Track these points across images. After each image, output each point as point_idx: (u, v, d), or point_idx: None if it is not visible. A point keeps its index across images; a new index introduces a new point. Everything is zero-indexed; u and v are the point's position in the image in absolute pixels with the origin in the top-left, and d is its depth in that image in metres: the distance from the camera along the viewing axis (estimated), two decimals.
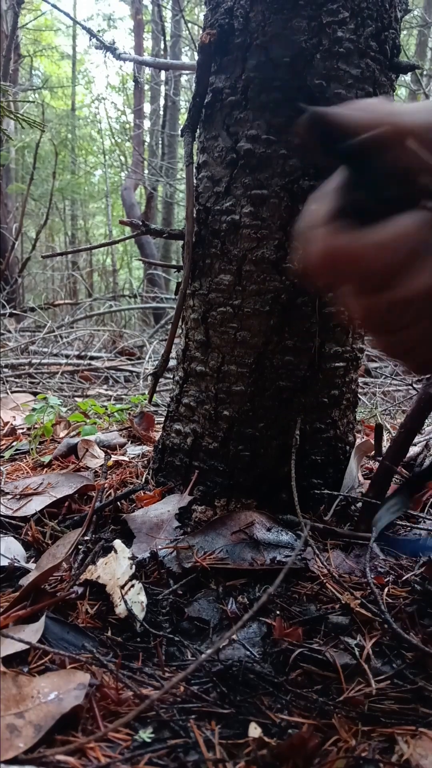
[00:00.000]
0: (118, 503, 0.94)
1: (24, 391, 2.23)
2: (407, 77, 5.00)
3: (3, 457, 1.26)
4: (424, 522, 0.94)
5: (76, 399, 2.24)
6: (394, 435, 0.95)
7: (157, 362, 1.60)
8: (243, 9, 0.81)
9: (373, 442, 1.06)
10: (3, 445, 1.36)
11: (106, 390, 2.62)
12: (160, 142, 7.95)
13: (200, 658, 0.53)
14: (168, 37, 7.22)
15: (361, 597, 0.70)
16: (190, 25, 5.80)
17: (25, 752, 0.46)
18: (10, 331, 3.84)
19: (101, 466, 1.12)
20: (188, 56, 8.12)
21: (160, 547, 0.79)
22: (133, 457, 1.23)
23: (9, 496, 0.97)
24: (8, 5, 6.22)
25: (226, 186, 0.85)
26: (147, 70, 7.90)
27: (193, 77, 1.03)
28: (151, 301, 5.69)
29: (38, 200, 8.29)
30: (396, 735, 0.51)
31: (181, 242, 0.92)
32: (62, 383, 2.63)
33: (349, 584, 0.73)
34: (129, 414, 1.66)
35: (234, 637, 0.64)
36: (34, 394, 2.14)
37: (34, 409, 1.51)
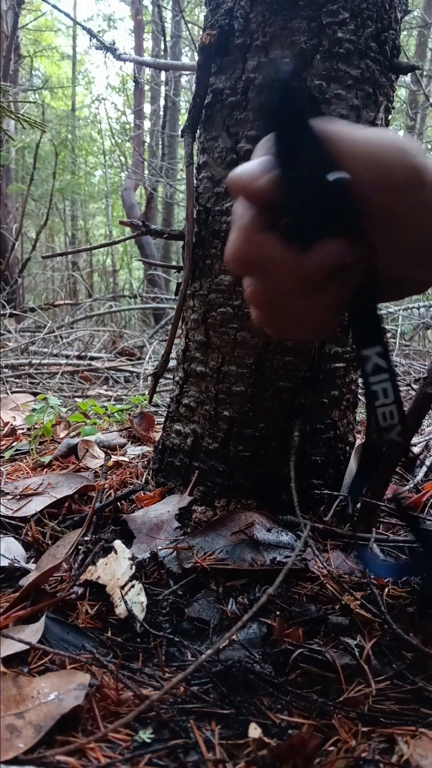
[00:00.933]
0: (118, 504, 0.94)
1: (24, 392, 2.23)
2: (407, 78, 5.00)
3: (3, 457, 1.26)
4: (424, 522, 0.94)
5: (76, 399, 2.24)
6: None
7: (157, 363, 1.60)
8: (243, 10, 0.82)
9: None
10: (3, 445, 1.36)
11: (106, 390, 2.62)
12: (160, 142, 7.95)
13: (200, 658, 0.53)
14: (168, 38, 7.22)
15: (361, 597, 0.70)
16: (190, 25, 5.81)
17: (25, 752, 0.46)
18: (10, 332, 3.84)
19: (101, 466, 1.12)
20: (188, 57, 8.12)
21: (160, 547, 0.79)
22: (133, 458, 1.23)
23: (9, 497, 0.97)
24: (8, 6, 6.22)
25: (227, 187, 0.85)
26: (147, 71, 7.90)
27: (193, 78, 1.04)
28: (151, 301, 5.69)
29: (38, 200, 8.30)
30: (396, 735, 0.51)
31: (181, 243, 0.93)
32: (62, 383, 2.63)
33: (349, 585, 0.73)
34: (129, 414, 1.66)
35: (234, 637, 0.63)
36: (34, 394, 2.14)
37: (34, 410, 1.51)
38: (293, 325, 0.50)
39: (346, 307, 0.48)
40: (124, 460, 1.19)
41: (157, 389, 2.13)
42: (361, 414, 1.18)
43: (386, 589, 0.74)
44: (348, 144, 0.42)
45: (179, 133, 1.26)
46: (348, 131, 0.42)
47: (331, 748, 0.49)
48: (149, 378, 1.88)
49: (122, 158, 10.51)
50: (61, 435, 1.45)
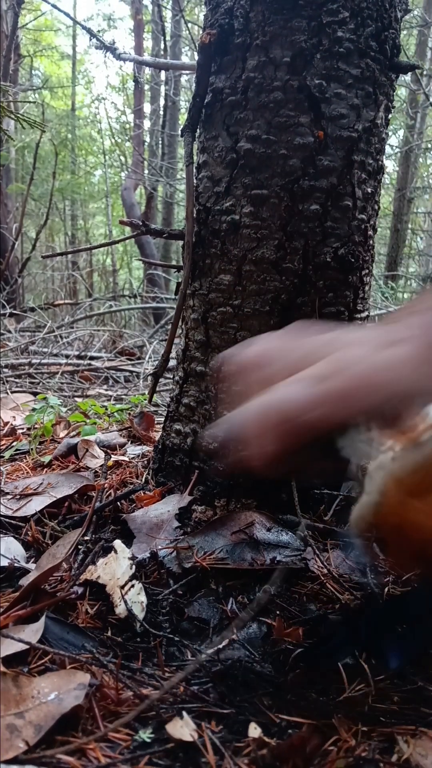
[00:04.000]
0: (118, 503, 0.94)
1: (24, 391, 2.23)
2: (407, 77, 5.00)
3: (3, 457, 1.26)
4: None
5: (76, 399, 2.24)
6: None
7: (157, 362, 1.60)
8: (243, 9, 0.82)
9: None
10: (3, 445, 1.36)
11: (106, 390, 2.62)
12: (160, 142, 7.95)
13: (200, 658, 0.53)
14: (168, 37, 7.21)
15: (361, 597, 0.70)
16: (190, 25, 5.81)
17: (25, 752, 0.46)
18: (10, 331, 3.84)
19: (101, 466, 1.12)
20: (188, 56, 8.12)
21: (160, 547, 0.79)
22: (133, 457, 1.23)
23: (9, 496, 0.97)
24: (8, 5, 6.22)
25: (226, 186, 0.85)
26: (147, 70, 7.90)
27: (193, 77, 1.04)
28: (151, 301, 5.69)
29: (38, 200, 8.30)
30: (396, 735, 0.51)
31: (181, 242, 0.92)
32: (62, 383, 2.63)
33: (349, 584, 0.73)
34: (129, 414, 1.66)
35: (234, 637, 0.63)
36: (34, 394, 2.14)
37: (34, 409, 1.51)
38: None
39: None
40: (124, 460, 1.19)
41: (157, 389, 2.13)
42: None
43: (386, 589, 0.74)
44: None
45: (179, 132, 1.26)
46: None
47: (331, 748, 0.49)
48: (149, 378, 1.89)
49: (122, 158, 10.51)
50: (61, 435, 1.45)
